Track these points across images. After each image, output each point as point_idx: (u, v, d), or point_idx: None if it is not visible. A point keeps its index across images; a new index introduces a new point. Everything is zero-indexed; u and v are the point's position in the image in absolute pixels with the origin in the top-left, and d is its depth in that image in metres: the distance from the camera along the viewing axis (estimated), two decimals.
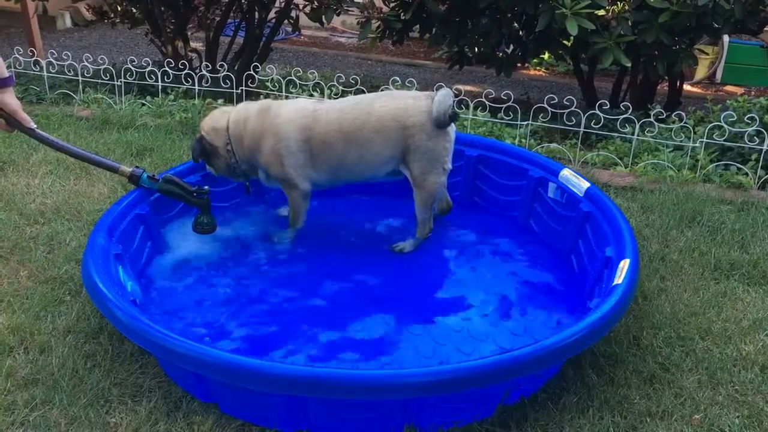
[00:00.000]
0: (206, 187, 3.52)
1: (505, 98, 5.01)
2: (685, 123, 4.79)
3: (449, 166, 3.57)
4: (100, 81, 5.82)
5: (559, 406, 2.61)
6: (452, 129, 3.53)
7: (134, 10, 6.81)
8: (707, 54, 8.16)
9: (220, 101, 5.66)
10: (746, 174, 4.54)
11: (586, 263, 3.35)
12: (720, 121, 4.63)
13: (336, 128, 3.45)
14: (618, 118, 4.98)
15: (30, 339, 2.88)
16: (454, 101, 3.46)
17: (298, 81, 5.59)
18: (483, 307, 3.19)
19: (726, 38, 8.42)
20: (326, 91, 5.39)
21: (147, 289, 3.21)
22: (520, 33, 5.92)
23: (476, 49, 6.14)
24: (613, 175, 4.65)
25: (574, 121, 4.97)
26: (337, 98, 3.95)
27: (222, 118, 3.59)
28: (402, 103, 3.47)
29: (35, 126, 3.16)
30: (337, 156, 3.49)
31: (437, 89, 3.53)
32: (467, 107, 5.17)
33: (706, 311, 3.17)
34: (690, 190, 4.34)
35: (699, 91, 8.54)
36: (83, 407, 2.53)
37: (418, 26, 6.17)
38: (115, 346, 2.85)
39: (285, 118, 3.49)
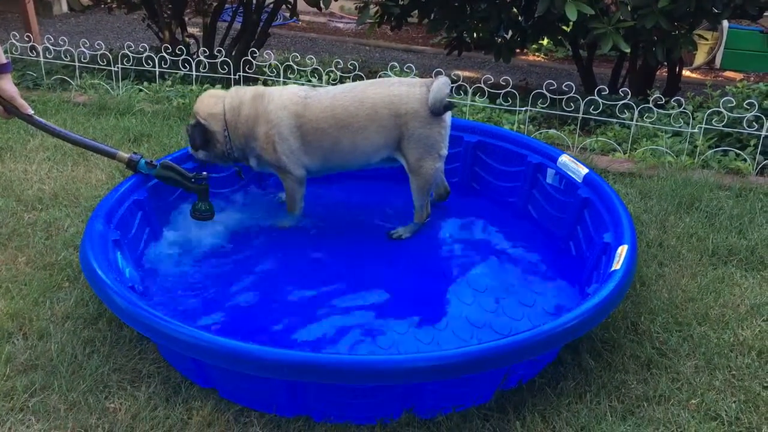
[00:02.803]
0: (204, 173, 3.52)
1: (504, 84, 5.00)
2: (684, 109, 4.78)
3: (445, 152, 3.57)
4: (97, 66, 5.79)
5: (557, 391, 2.62)
6: (448, 115, 3.53)
7: None
8: (707, 39, 8.13)
9: (217, 87, 5.63)
10: (745, 160, 4.54)
11: (585, 249, 3.36)
12: (719, 107, 4.62)
13: (329, 115, 3.44)
14: (617, 104, 4.96)
15: (29, 325, 2.89)
16: (450, 90, 3.44)
17: (296, 67, 5.57)
18: (481, 293, 3.19)
19: (725, 23, 8.39)
20: (324, 77, 5.37)
21: (145, 274, 3.21)
22: (519, 18, 5.90)
23: (475, 35, 6.11)
24: (612, 161, 4.65)
25: (573, 106, 4.96)
26: (335, 84, 3.94)
27: (217, 104, 3.57)
28: (396, 91, 3.46)
29: (33, 112, 3.16)
30: (329, 143, 3.48)
31: (436, 75, 3.51)
32: (466, 93, 5.16)
33: (704, 297, 3.18)
34: (688, 175, 4.34)
35: (698, 76, 8.52)
36: (82, 393, 2.54)
37: (416, 11, 6.14)
38: (113, 331, 2.85)
39: (277, 104, 3.48)
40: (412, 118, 3.43)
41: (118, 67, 5.65)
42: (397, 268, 3.41)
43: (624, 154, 4.75)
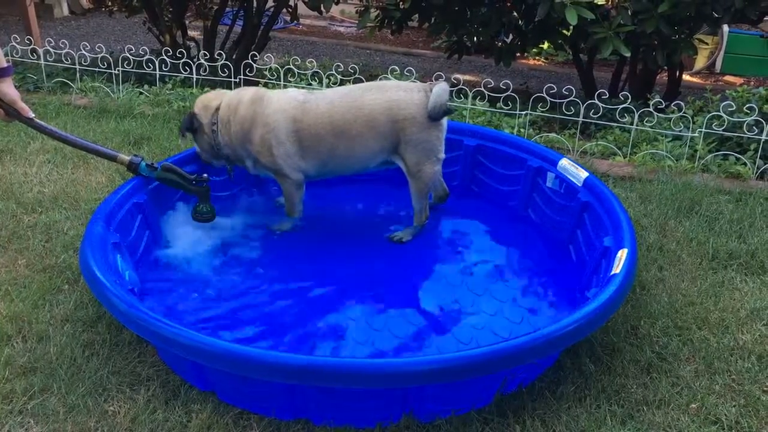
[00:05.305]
0: (205, 175, 3.52)
1: (504, 88, 5.00)
2: (684, 113, 4.78)
3: (443, 155, 3.57)
4: (97, 69, 5.80)
5: (557, 395, 2.62)
6: (444, 119, 3.53)
7: None
8: (707, 44, 8.14)
9: (218, 90, 5.64)
10: (745, 164, 4.54)
11: (584, 253, 3.36)
12: (719, 111, 4.62)
13: (326, 121, 3.43)
14: (617, 108, 4.97)
15: (28, 327, 2.88)
16: (450, 95, 3.44)
17: (296, 70, 5.58)
18: (480, 296, 3.19)
19: (726, 28, 8.41)
20: (324, 81, 5.38)
21: (145, 277, 3.21)
22: (520, 22, 5.91)
23: (475, 39, 6.12)
24: (612, 164, 4.65)
25: (573, 110, 4.97)
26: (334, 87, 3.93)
27: (216, 99, 3.61)
28: (393, 96, 3.44)
29: (34, 115, 3.15)
30: (327, 148, 3.48)
31: (435, 79, 3.51)
32: (466, 97, 5.16)
33: (704, 301, 3.18)
34: (688, 179, 4.34)
35: (698, 81, 8.54)
36: (81, 395, 2.54)
37: (417, 15, 6.15)
38: (113, 334, 2.85)
39: (275, 107, 3.48)
40: (410, 124, 3.42)
41: (118, 70, 5.66)
42: (396, 271, 3.41)
43: (624, 158, 4.75)
